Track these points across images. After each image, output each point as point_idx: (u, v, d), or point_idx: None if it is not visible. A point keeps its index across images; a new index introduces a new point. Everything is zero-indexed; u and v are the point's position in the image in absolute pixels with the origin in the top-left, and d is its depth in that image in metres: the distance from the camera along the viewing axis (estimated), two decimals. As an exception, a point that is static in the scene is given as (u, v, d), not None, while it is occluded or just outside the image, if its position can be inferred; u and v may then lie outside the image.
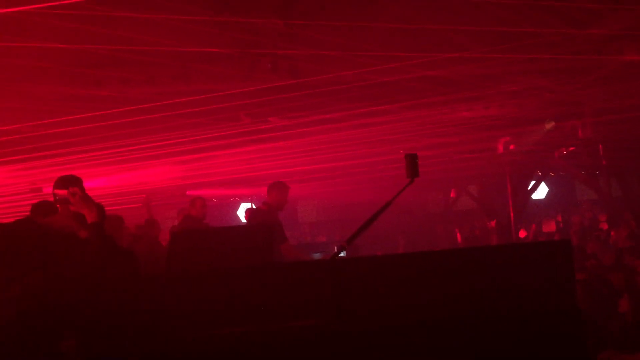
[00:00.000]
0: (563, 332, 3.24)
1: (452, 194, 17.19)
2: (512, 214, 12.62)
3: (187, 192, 11.47)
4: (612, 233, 11.53)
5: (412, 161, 4.05)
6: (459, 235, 13.08)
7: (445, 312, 3.23)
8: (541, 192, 17.00)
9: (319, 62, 6.19)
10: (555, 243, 6.25)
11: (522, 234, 13.77)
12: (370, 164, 9.93)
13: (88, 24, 4.40)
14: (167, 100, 6.43)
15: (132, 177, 9.40)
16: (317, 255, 8.65)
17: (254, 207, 9.48)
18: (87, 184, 3.14)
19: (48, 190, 5.42)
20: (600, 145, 11.49)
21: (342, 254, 4.04)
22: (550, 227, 14.61)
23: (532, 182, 14.14)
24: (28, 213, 3.71)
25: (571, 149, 11.52)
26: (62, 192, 3.10)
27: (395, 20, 5.53)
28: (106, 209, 4.26)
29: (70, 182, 3.16)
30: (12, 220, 3.29)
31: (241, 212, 14.91)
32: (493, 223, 13.31)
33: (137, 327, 3.28)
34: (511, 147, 10.27)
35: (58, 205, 3.20)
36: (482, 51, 5.99)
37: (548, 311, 3.30)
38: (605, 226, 13.93)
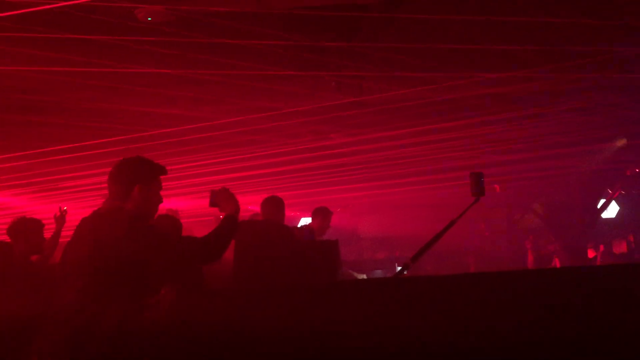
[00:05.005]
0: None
1: (517, 212, 16.75)
2: (581, 234, 12.20)
3: (249, 207, 11.68)
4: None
5: (477, 180, 4.01)
6: (529, 255, 12.67)
7: (511, 336, 3.18)
8: (611, 211, 16.31)
9: (382, 81, 6.24)
10: (631, 267, 6.00)
11: (591, 254, 13.25)
12: (432, 180, 9.86)
13: (166, 48, 4.64)
14: (233, 117, 6.64)
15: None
16: (378, 273, 8.63)
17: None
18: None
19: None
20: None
21: (405, 272, 4.03)
22: (621, 247, 14.00)
23: (602, 201, 13.63)
24: None
25: (644, 166, 11.09)
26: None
27: (458, 40, 5.52)
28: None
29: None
30: None
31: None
32: (556, 245, 12.89)
33: (202, 340, 3.37)
34: (580, 164, 9.98)
35: None
36: (550, 68, 5.88)
37: (620, 339, 3.19)
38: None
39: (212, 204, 3.06)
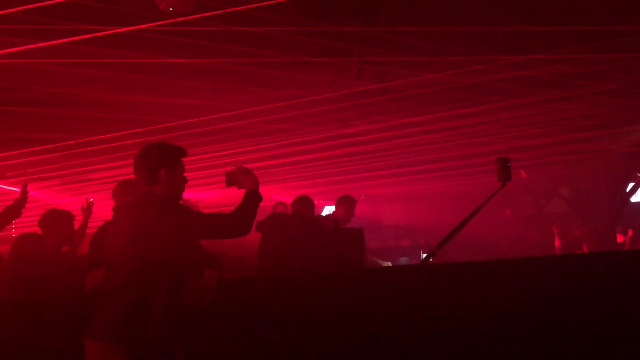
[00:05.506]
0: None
1: (543, 197, 16.55)
2: (609, 218, 11.98)
3: (273, 196, 11.69)
4: None
5: (503, 165, 3.95)
6: (557, 241, 12.49)
7: (538, 320, 3.13)
8: (641, 194, 16.00)
9: (404, 66, 6.16)
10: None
11: (619, 239, 13.03)
12: (457, 167, 9.75)
13: (184, 37, 4.64)
14: (255, 106, 6.62)
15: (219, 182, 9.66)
16: (403, 260, 8.59)
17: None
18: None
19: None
20: None
21: (431, 259, 3.99)
22: (650, 232, 13.74)
23: (631, 184, 13.37)
24: None
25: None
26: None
27: (481, 22, 5.42)
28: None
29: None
30: None
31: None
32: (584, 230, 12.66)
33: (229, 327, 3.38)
34: (608, 147, 9.78)
35: None
36: (575, 50, 5.74)
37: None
38: None
39: (229, 183, 3.07)
